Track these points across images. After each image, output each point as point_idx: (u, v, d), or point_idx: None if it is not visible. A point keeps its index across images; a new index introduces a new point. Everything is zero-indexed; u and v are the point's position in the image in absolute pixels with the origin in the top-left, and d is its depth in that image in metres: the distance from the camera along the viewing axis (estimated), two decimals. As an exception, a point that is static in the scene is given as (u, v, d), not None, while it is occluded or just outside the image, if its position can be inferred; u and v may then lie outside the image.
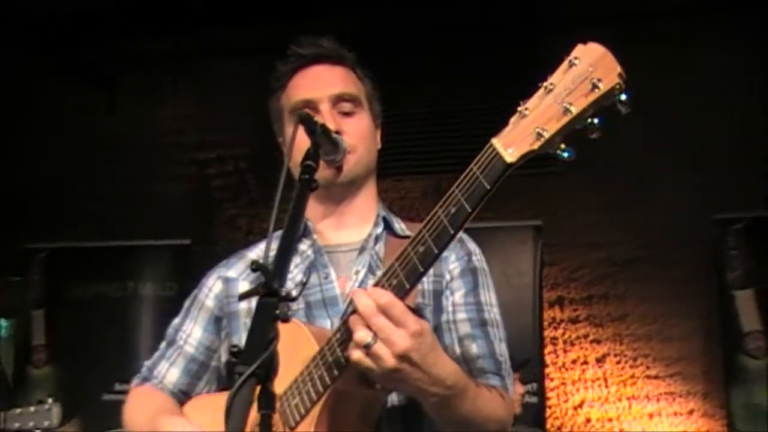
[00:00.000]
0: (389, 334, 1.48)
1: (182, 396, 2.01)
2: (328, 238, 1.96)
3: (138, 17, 5.31)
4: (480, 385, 1.73)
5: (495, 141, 1.43)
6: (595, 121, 1.36)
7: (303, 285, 1.70)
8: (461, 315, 1.88)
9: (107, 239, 5.37)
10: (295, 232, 1.57)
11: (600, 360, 5.42)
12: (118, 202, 5.58)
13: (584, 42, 1.41)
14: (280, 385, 1.62)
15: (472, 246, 1.97)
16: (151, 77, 5.85)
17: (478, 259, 1.93)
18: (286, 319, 1.41)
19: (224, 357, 2.02)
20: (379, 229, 1.97)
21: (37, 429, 3.23)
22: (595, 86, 1.34)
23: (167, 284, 5.26)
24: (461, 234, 1.92)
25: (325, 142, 1.78)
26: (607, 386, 5.37)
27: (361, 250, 1.92)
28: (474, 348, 1.84)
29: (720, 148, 5.06)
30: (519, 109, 1.42)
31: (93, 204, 5.65)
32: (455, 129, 5.60)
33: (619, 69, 1.35)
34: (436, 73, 5.51)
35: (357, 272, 1.90)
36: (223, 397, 1.89)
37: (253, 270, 1.47)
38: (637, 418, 5.28)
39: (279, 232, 2.08)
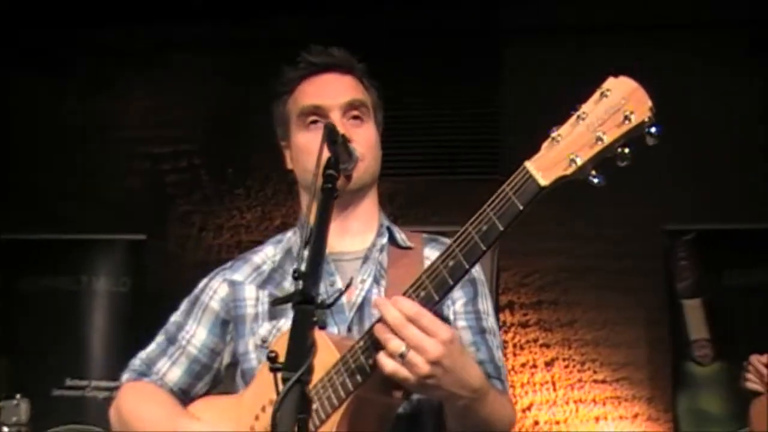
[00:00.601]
0: (421, 342, 1.53)
1: (182, 395, 2.04)
2: (331, 245, 1.92)
3: (91, 8, 5.27)
4: (493, 388, 1.80)
5: (528, 164, 1.52)
6: (626, 150, 1.46)
7: (341, 294, 1.71)
8: (462, 323, 1.96)
9: (60, 232, 5.31)
10: (324, 239, 1.61)
11: (549, 364, 5.56)
12: (71, 194, 5.53)
13: (615, 75, 1.51)
14: None
15: None
16: (104, 69, 5.79)
17: (477, 270, 2.00)
18: (323, 327, 1.47)
19: (227, 360, 2.06)
20: (384, 239, 2.03)
21: (5, 426, 3.21)
22: (627, 118, 1.44)
23: (121, 279, 5.23)
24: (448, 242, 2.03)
25: (342, 151, 1.84)
26: (555, 390, 5.52)
27: (365, 258, 1.97)
28: (475, 355, 1.90)
29: (672, 161, 5.25)
30: (552, 135, 1.51)
31: (46, 196, 5.58)
32: (414, 134, 5.66)
33: (650, 103, 1.46)
34: (401, 78, 5.59)
35: (363, 281, 1.94)
36: (228, 400, 1.98)
37: (295, 278, 1.48)
38: (584, 421, 5.44)
39: (278, 237, 2.15)
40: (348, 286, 1.70)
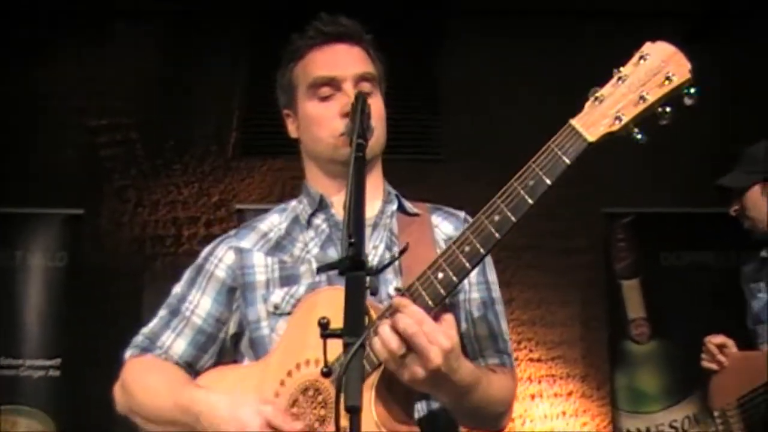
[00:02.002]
0: (426, 352, 1.60)
1: (187, 368, 2.02)
2: (341, 212, 1.97)
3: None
4: (489, 370, 1.88)
5: (573, 122, 1.63)
6: (668, 109, 1.59)
7: (393, 260, 1.77)
8: (475, 294, 2.02)
9: (-6, 205, 5.18)
10: (362, 206, 1.62)
11: (485, 343, 5.70)
12: (4, 167, 5.40)
13: (652, 40, 1.63)
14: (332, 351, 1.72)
15: None
16: (40, 37, 5.66)
17: None
18: (374, 293, 1.52)
19: (232, 329, 2.04)
20: (394, 206, 2.08)
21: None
22: (668, 79, 1.57)
23: (57, 254, 5.13)
24: (463, 214, 2.11)
25: (366, 121, 1.85)
26: (490, 368, 5.67)
27: (375, 225, 2.02)
28: (485, 327, 1.98)
29: (613, 145, 5.45)
30: (596, 94, 1.63)
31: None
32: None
33: (689, 65, 1.58)
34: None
35: (375, 247, 1.99)
36: (246, 369, 1.97)
37: (350, 245, 1.48)
38: (519, 399, 5.61)
39: (282, 205, 2.17)
40: (403, 251, 1.70)
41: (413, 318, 1.61)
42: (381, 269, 1.61)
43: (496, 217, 1.66)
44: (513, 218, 1.65)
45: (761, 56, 5.52)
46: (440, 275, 1.67)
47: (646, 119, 1.60)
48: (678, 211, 5.31)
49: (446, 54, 5.79)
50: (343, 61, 2.03)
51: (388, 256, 1.98)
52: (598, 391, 5.54)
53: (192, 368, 2.02)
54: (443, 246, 2.00)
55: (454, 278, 1.67)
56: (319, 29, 2.06)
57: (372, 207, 2.02)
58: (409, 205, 2.10)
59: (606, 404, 5.46)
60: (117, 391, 2.03)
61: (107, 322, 5.02)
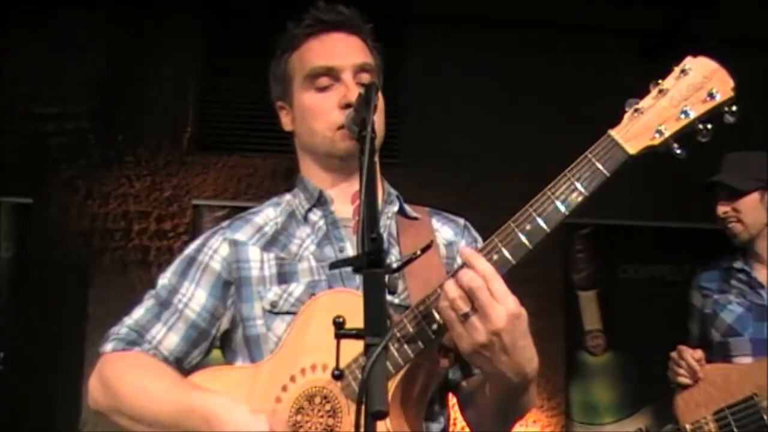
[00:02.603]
0: (489, 309, 1.53)
1: (176, 364, 1.91)
2: (339, 210, 1.97)
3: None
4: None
5: (613, 133, 1.63)
6: (709, 126, 1.59)
7: (410, 259, 1.64)
8: None
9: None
10: (376, 202, 1.60)
11: (439, 352, 5.70)
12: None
13: (694, 55, 1.63)
14: (330, 356, 1.60)
15: (475, 233, 2.08)
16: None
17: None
18: (393, 291, 1.47)
19: (225, 326, 1.94)
20: (395, 208, 2.02)
21: None
22: (711, 95, 1.57)
23: (4, 245, 4.99)
24: (462, 220, 2.09)
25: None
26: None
27: None
28: None
29: (572, 158, 5.51)
30: (635, 107, 1.62)
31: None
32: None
33: (732, 83, 1.58)
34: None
35: None
36: (239, 372, 1.88)
37: (374, 240, 1.42)
38: (470, 407, 5.62)
39: (275, 199, 2.11)
40: (426, 247, 1.63)
41: (480, 272, 1.55)
42: (400, 267, 1.57)
43: (528, 226, 1.63)
44: (546, 228, 1.63)
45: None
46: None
47: (686, 135, 1.59)
48: (635, 224, 5.40)
49: (405, 59, 5.78)
50: (342, 51, 1.95)
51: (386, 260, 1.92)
52: (549, 401, 5.57)
53: (180, 365, 1.92)
54: (444, 251, 1.97)
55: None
56: (317, 17, 1.98)
57: None
58: (408, 208, 2.05)
59: (557, 414, 5.49)
60: (95, 387, 1.89)
61: (52, 315, 4.92)
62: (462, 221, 2.09)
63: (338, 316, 1.41)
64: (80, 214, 5.56)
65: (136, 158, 5.70)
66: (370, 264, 1.40)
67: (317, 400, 1.71)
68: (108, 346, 1.91)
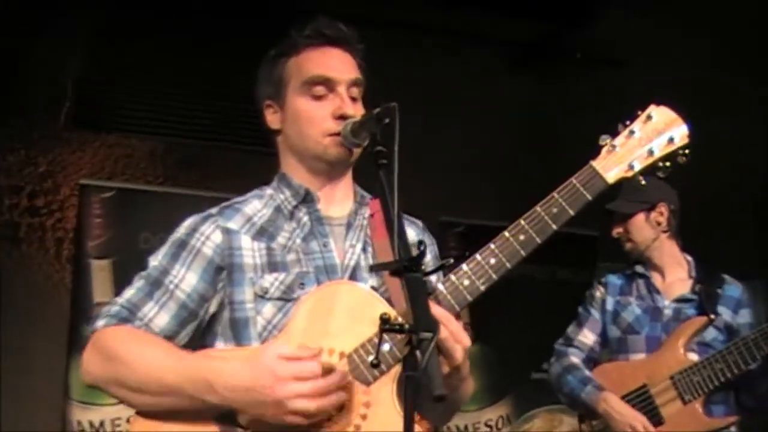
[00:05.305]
0: (452, 351, 1.83)
1: None
2: (323, 209, 2.17)
3: None
4: None
5: (594, 164, 2.03)
6: (668, 163, 2.05)
7: (441, 266, 1.92)
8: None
9: None
10: (401, 215, 1.85)
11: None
12: None
13: (657, 104, 2.10)
14: (346, 342, 1.92)
15: (430, 235, 2.37)
16: None
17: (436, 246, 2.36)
18: (430, 293, 1.81)
19: (213, 309, 2.09)
20: (368, 210, 2.19)
21: None
22: (672, 140, 2.04)
23: None
24: (420, 222, 2.36)
25: (363, 128, 2.04)
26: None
27: (348, 225, 2.17)
28: None
29: (455, 158, 6.01)
30: (611, 143, 2.05)
31: None
32: (195, 95, 5.88)
33: (687, 131, 2.05)
34: (190, 39, 5.71)
35: (353, 246, 2.14)
36: (239, 352, 2.06)
37: (420, 248, 1.74)
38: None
39: (256, 191, 2.26)
40: (463, 257, 1.93)
41: (440, 318, 1.78)
42: (431, 272, 1.86)
43: (522, 237, 1.98)
44: (538, 240, 1.97)
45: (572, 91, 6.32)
46: (466, 282, 1.95)
47: (649, 168, 2.05)
48: (504, 224, 5.89)
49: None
50: (340, 65, 2.16)
51: (363, 256, 2.12)
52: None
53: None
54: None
55: (481, 287, 1.95)
56: (319, 31, 2.18)
57: (344, 207, 2.19)
58: None
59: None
60: (91, 361, 2.01)
61: None
62: (420, 223, 2.36)
63: (385, 313, 1.66)
64: (-52, 188, 5.48)
65: (9, 129, 5.63)
66: (408, 268, 1.70)
67: None
68: (100, 323, 2.03)
